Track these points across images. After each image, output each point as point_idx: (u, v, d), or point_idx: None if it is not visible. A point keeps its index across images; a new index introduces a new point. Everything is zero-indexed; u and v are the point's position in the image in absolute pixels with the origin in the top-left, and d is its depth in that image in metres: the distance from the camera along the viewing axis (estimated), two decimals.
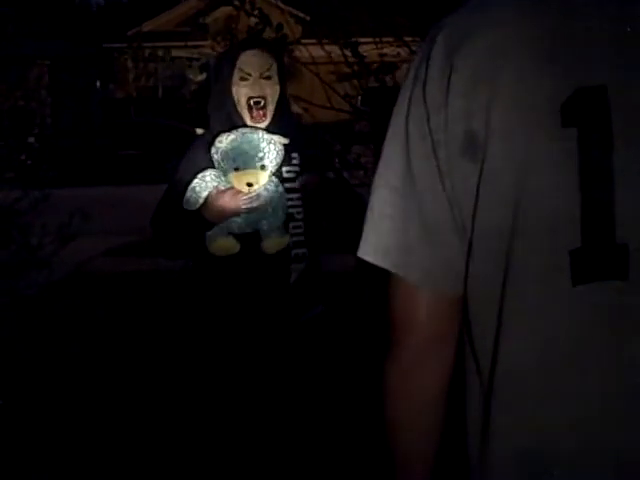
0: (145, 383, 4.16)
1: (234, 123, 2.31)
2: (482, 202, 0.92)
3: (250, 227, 2.29)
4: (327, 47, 4.22)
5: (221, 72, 2.35)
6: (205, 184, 2.27)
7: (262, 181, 2.26)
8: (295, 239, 2.32)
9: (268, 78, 2.31)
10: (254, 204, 2.25)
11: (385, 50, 4.18)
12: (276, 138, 2.27)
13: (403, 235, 0.97)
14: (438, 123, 0.93)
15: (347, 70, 4.22)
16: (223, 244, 2.29)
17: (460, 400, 1.00)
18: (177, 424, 3.53)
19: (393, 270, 0.98)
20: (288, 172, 2.34)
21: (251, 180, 2.25)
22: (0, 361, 4.17)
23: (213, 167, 2.29)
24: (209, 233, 2.29)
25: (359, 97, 4.76)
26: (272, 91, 2.31)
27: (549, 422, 0.91)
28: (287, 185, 2.33)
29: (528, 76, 0.90)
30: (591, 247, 0.88)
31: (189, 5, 24.45)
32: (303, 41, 4.54)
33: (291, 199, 2.33)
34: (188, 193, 2.27)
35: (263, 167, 2.25)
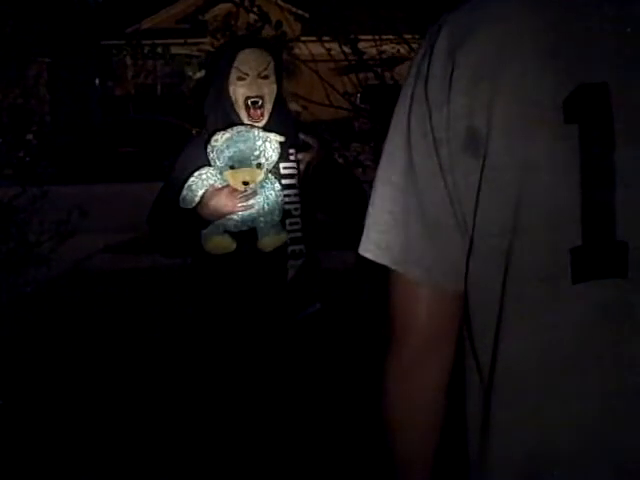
0: (144, 381, 4.16)
1: (231, 122, 2.31)
2: (483, 199, 0.92)
3: (246, 225, 2.29)
4: (326, 44, 4.22)
5: (218, 71, 2.34)
6: (201, 182, 2.27)
7: (258, 179, 2.26)
8: (292, 236, 2.32)
9: (265, 77, 2.31)
10: (250, 202, 2.26)
11: (384, 47, 4.18)
12: (272, 136, 2.27)
13: (404, 232, 0.97)
14: (440, 120, 0.93)
15: (346, 68, 4.22)
16: (219, 242, 2.29)
17: (460, 397, 1.00)
18: (176, 422, 3.53)
19: (394, 267, 0.98)
20: (285, 168, 2.34)
21: (247, 178, 2.25)
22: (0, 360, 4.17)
23: (209, 165, 2.29)
24: (205, 231, 2.29)
25: (358, 95, 4.76)
26: (269, 90, 2.31)
27: (549, 420, 0.91)
28: (284, 182, 2.33)
29: (530, 73, 0.89)
30: (591, 245, 0.88)
31: (188, 2, 24.44)
32: (302, 38, 4.54)
33: (288, 195, 2.33)
34: (184, 191, 2.27)
35: (259, 165, 2.26)
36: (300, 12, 12.11)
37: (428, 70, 0.95)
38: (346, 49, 4.05)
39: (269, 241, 2.29)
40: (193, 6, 23.67)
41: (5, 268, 4.51)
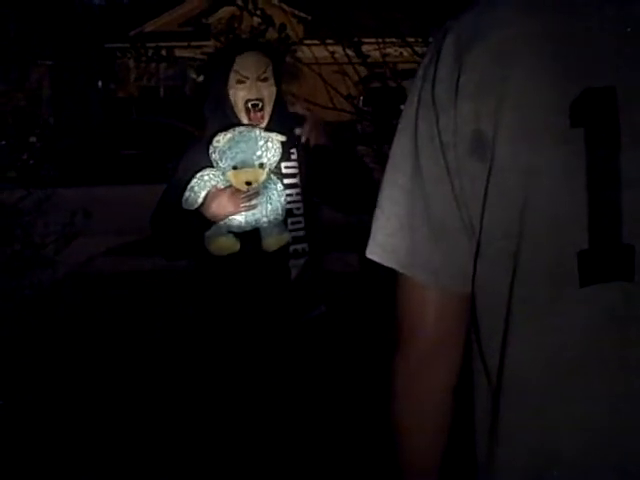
0: (146, 382, 4.16)
1: (232, 125, 2.31)
2: (489, 203, 0.92)
3: (250, 225, 2.30)
4: (330, 47, 4.22)
5: (217, 75, 2.35)
6: (204, 183, 2.28)
7: (261, 179, 2.27)
8: (294, 235, 2.33)
9: (265, 80, 2.32)
10: (253, 202, 2.26)
11: (388, 50, 4.18)
12: (274, 135, 2.28)
13: (411, 235, 0.97)
14: (447, 124, 0.94)
15: (350, 70, 4.22)
16: (223, 243, 2.29)
17: (468, 399, 1.00)
18: (177, 423, 3.53)
19: (401, 270, 0.98)
20: (287, 168, 2.35)
21: (249, 178, 2.25)
22: (0, 361, 4.17)
23: (211, 166, 2.29)
24: (209, 233, 2.29)
25: (361, 97, 4.76)
26: (269, 93, 2.32)
27: (555, 423, 0.91)
28: (286, 181, 2.34)
29: (536, 77, 0.90)
30: (598, 249, 0.88)
31: (191, 5, 24.47)
32: (306, 41, 4.54)
33: (290, 195, 2.34)
34: (187, 193, 2.28)
35: (261, 165, 2.26)
36: (303, 15, 12.12)
37: (435, 74, 0.95)
38: (349, 52, 4.05)
39: (273, 241, 2.29)
40: (197, 9, 23.70)
41: (11, 270, 4.52)
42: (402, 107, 1.02)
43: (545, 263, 0.90)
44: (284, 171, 2.34)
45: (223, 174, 2.28)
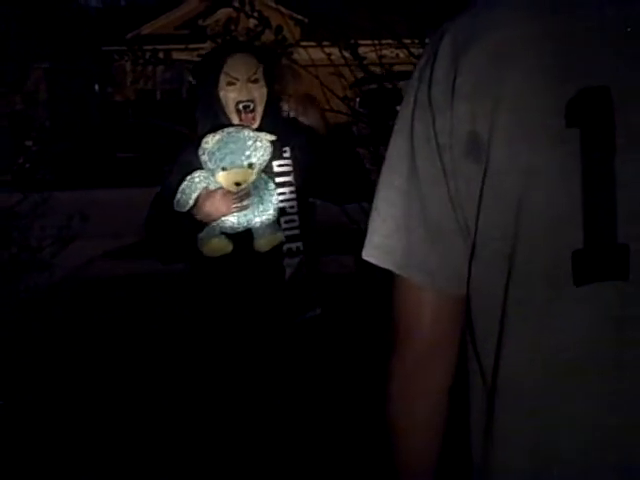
0: (144, 384, 4.16)
1: (223, 127, 2.31)
2: (485, 204, 0.92)
3: (242, 226, 2.30)
4: (326, 49, 4.22)
5: (207, 77, 2.36)
6: (194, 185, 2.28)
7: (250, 179, 2.27)
8: (288, 233, 2.33)
9: (255, 81, 2.32)
10: (244, 203, 2.27)
11: (384, 52, 4.18)
12: (262, 135, 2.28)
13: (407, 236, 0.97)
14: (443, 126, 0.94)
15: (346, 72, 4.23)
16: (216, 244, 2.29)
17: (463, 400, 1.00)
18: (175, 425, 3.53)
19: (397, 271, 0.98)
20: (280, 166, 2.35)
21: (239, 179, 2.26)
22: (0, 362, 4.17)
23: (202, 168, 2.30)
24: (201, 234, 2.29)
25: (357, 99, 4.76)
26: (260, 94, 2.33)
27: (553, 423, 0.91)
28: (279, 180, 2.34)
29: (532, 79, 0.90)
30: (593, 248, 0.89)
31: (188, 8, 24.46)
32: (302, 43, 4.54)
33: (283, 193, 2.33)
34: (178, 195, 2.28)
35: (250, 165, 2.26)
36: (300, 17, 12.12)
37: (431, 76, 0.95)
38: (346, 54, 4.05)
39: (265, 241, 2.29)
40: (193, 12, 23.69)
41: (8, 273, 4.51)
42: (398, 108, 1.02)
43: (541, 264, 0.90)
44: (276, 170, 2.34)
45: (213, 175, 2.28)
